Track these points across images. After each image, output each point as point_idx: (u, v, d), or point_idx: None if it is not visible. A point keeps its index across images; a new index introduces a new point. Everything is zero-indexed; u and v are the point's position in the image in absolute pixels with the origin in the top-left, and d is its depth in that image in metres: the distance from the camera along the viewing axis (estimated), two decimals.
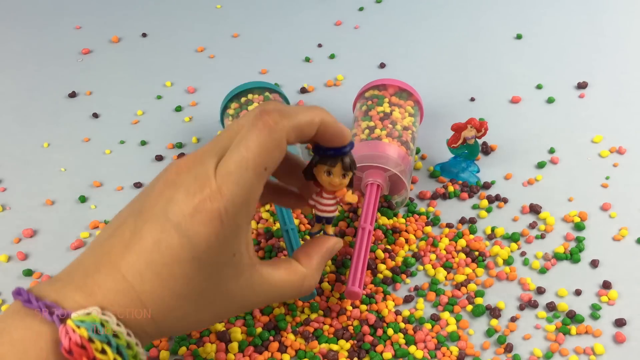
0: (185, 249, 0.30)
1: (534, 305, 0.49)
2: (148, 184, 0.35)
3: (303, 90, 0.69)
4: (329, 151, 0.35)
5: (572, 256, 0.52)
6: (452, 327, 0.48)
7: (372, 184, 0.53)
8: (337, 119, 0.36)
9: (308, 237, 0.51)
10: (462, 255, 0.52)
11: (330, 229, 0.39)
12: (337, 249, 0.40)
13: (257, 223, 0.55)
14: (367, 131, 0.56)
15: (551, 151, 0.61)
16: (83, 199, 0.59)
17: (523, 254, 0.53)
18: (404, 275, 0.51)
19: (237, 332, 0.46)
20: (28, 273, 0.53)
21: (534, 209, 0.55)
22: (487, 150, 0.61)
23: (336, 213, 0.38)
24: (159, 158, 0.62)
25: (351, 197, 0.37)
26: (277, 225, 0.54)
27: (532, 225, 0.54)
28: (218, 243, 0.30)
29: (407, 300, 0.50)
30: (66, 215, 0.58)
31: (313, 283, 0.37)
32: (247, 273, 0.32)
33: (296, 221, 0.54)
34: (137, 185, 0.60)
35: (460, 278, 0.51)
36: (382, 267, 0.51)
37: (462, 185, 0.58)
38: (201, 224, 0.29)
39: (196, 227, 0.29)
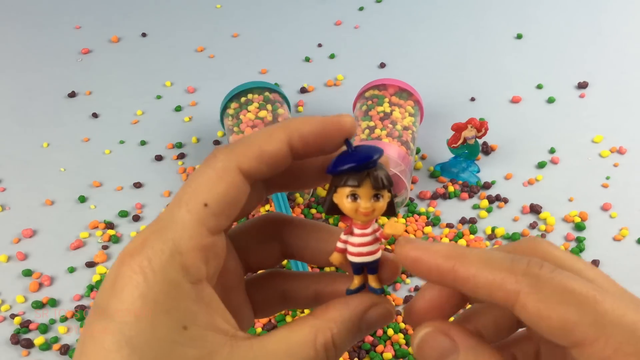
0: (110, 334, 0.21)
1: None
2: None
3: (303, 90, 0.69)
4: (344, 164, 0.24)
5: None
6: None
7: None
8: None
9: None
10: None
11: (375, 282, 0.26)
12: (380, 314, 0.25)
13: None
14: (367, 131, 0.56)
15: (551, 151, 0.61)
16: (83, 199, 0.58)
17: None
18: (404, 276, 0.51)
19: None
20: (27, 273, 0.53)
21: (535, 209, 0.55)
22: (487, 150, 0.61)
23: (378, 255, 0.25)
24: (159, 158, 0.62)
25: (393, 226, 0.25)
26: None
27: (533, 226, 0.54)
28: (149, 311, 0.21)
29: (407, 300, 0.50)
30: (66, 215, 0.58)
31: (334, 342, 0.24)
32: (222, 352, 0.22)
33: None
34: (137, 185, 0.60)
35: None
36: None
37: (462, 185, 0.58)
38: (120, 291, 0.21)
39: (116, 299, 0.21)
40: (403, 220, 0.20)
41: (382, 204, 0.24)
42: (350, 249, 0.25)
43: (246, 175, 0.23)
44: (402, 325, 0.48)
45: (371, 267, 0.26)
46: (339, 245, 0.26)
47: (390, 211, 0.25)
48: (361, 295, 0.25)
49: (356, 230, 0.25)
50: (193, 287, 0.22)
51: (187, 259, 0.22)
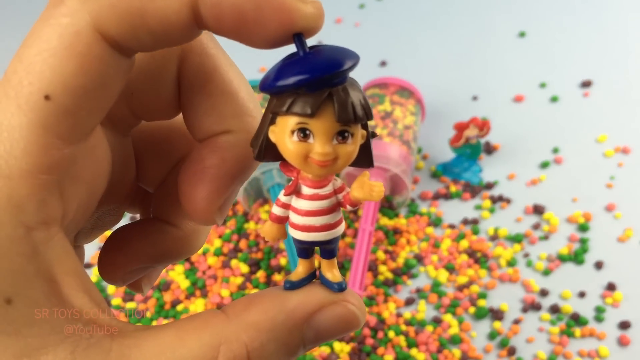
0: None
1: (537, 307, 0.48)
2: None
3: None
4: (290, 75, 0.14)
5: (577, 257, 0.51)
6: (454, 330, 0.47)
7: None
8: None
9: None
10: (465, 257, 0.52)
11: (332, 271, 0.16)
12: (337, 318, 0.16)
13: (256, 223, 0.54)
14: None
15: (555, 151, 0.60)
16: None
17: (526, 255, 0.52)
18: (405, 277, 0.51)
19: None
20: None
21: (538, 210, 0.55)
22: (489, 149, 0.60)
23: (339, 230, 0.16)
24: None
25: (364, 187, 0.15)
26: None
27: (536, 226, 0.54)
28: None
29: (409, 302, 0.49)
30: None
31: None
32: (58, 353, 0.14)
33: None
34: None
35: (463, 280, 0.50)
36: (383, 268, 0.51)
37: (464, 185, 0.57)
38: None
39: None
40: (381, 183, 0.15)
41: (352, 147, 0.15)
42: (294, 218, 0.16)
43: (114, 44, 0.14)
44: (404, 327, 0.47)
45: (327, 249, 0.16)
46: (276, 211, 0.16)
47: (364, 160, 0.16)
48: (308, 291, 0.16)
49: (305, 190, 0.16)
50: (27, 236, 0.14)
51: (19, 189, 0.14)
